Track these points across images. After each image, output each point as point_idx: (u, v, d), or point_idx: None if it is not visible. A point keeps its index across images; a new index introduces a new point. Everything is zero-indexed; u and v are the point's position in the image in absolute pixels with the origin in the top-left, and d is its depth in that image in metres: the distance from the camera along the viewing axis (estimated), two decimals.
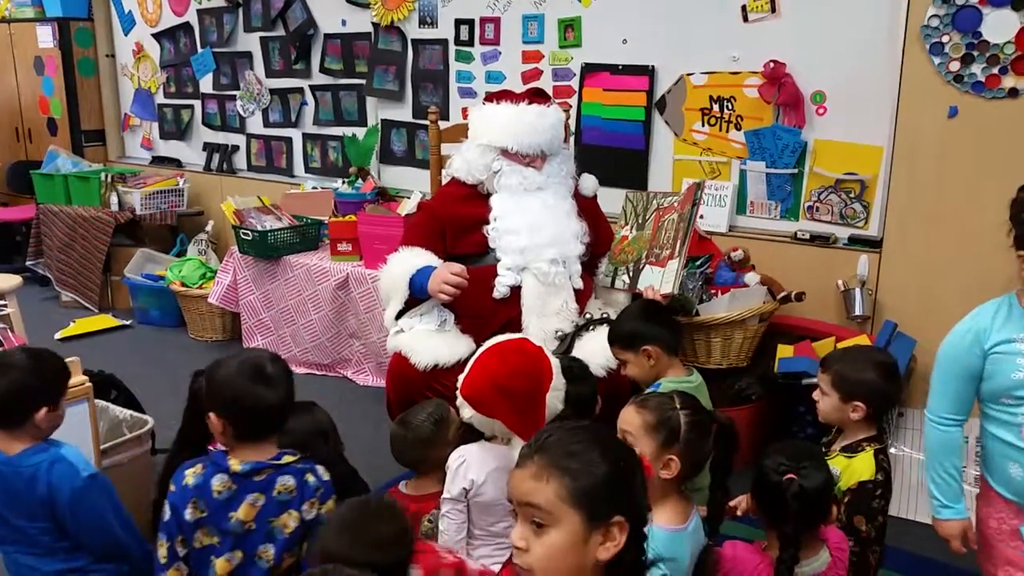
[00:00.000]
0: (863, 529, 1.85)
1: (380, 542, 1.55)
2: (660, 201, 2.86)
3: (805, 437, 2.84)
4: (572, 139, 3.63)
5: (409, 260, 2.70)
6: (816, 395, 2.04)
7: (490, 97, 2.83)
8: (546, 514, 1.20)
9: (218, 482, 1.75)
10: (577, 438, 1.26)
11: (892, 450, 2.95)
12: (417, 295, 2.68)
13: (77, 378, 2.27)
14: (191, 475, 1.76)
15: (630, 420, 1.71)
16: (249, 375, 1.75)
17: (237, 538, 1.75)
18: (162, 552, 1.76)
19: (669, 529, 1.62)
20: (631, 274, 2.79)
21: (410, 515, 2.13)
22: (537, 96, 2.82)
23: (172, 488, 1.76)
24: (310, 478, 1.81)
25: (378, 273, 2.91)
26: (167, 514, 1.75)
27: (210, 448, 1.92)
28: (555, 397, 1.80)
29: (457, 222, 2.73)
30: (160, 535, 1.77)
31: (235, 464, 1.75)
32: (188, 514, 1.73)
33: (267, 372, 1.77)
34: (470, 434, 1.90)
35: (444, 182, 2.99)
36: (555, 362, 1.85)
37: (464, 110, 3.87)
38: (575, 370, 2.17)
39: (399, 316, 2.73)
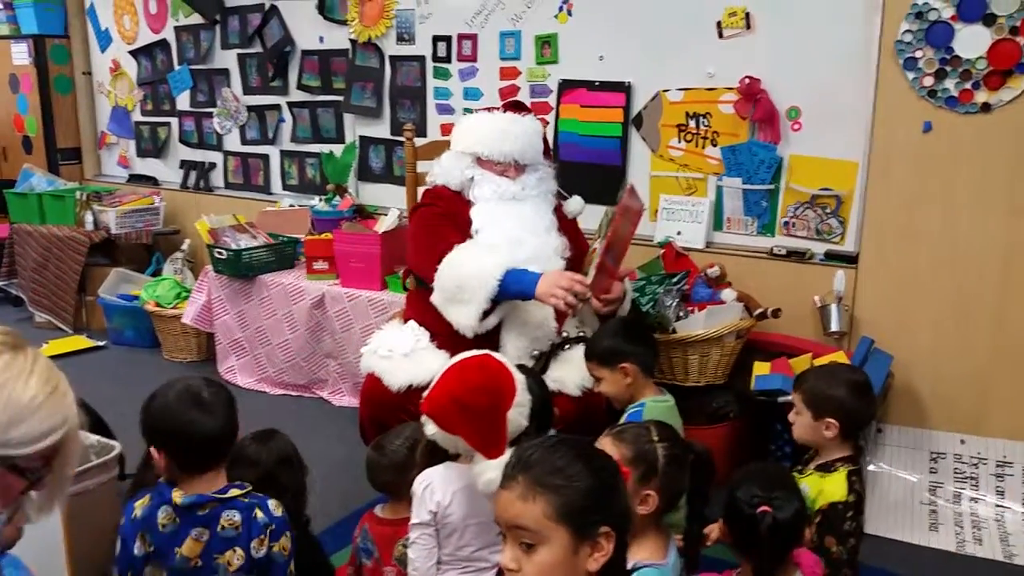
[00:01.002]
0: (834, 551, 1.84)
1: None
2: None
3: (782, 456, 2.82)
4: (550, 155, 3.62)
5: (488, 252, 2.50)
6: (791, 416, 2.02)
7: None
8: (535, 534, 1.20)
9: (163, 515, 1.70)
10: (559, 453, 1.25)
11: (871, 467, 2.94)
12: (504, 297, 2.46)
13: None
14: (139, 507, 1.71)
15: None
16: (184, 403, 1.71)
17: (184, 574, 1.69)
18: None
19: (650, 565, 1.59)
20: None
21: (384, 539, 2.10)
22: (514, 107, 2.81)
23: (122, 520, 1.71)
24: (259, 514, 1.74)
25: (443, 269, 2.52)
26: (119, 547, 1.71)
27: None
28: (519, 413, 1.77)
29: (453, 217, 2.67)
30: (114, 569, 1.72)
31: (177, 496, 1.69)
32: (137, 548, 1.69)
33: (203, 398, 1.72)
34: (435, 454, 1.86)
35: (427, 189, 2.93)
36: (519, 378, 1.82)
37: (443, 127, 3.85)
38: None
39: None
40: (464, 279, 2.47)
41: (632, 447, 1.67)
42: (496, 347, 2.53)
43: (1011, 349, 2.81)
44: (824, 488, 1.91)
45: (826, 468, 1.95)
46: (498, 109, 2.78)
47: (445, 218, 2.65)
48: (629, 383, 2.32)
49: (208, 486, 1.73)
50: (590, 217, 3.15)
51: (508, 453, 1.71)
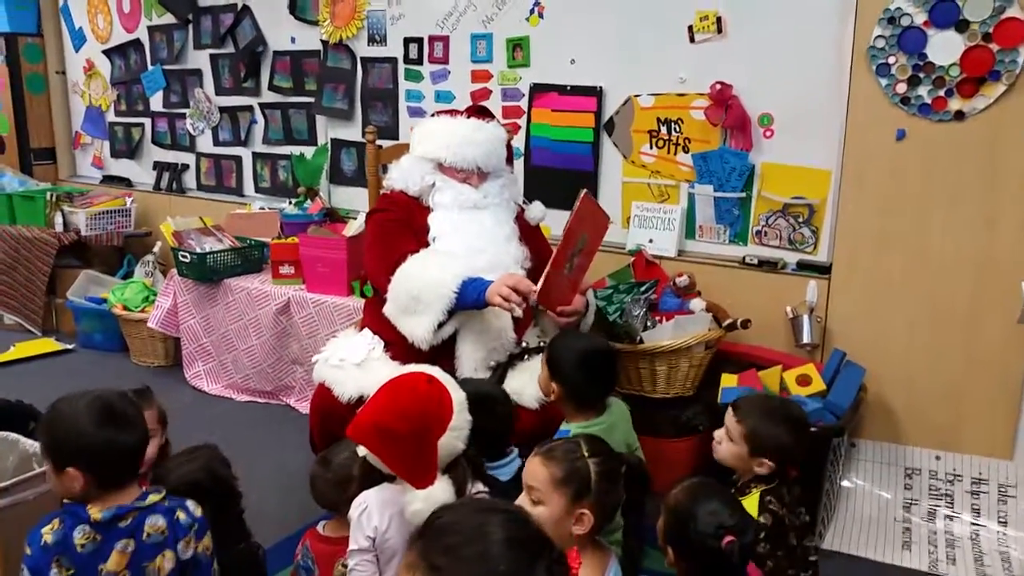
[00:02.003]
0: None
1: None
2: None
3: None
4: (522, 160, 3.56)
5: (442, 264, 2.43)
6: (718, 436, 1.98)
7: (437, 115, 2.75)
8: None
9: (80, 535, 1.62)
10: (460, 530, 1.08)
11: (845, 483, 2.87)
12: (459, 308, 2.40)
13: None
14: (48, 532, 1.62)
15: (536, 474, 1.61)
16: (100, 418, 1.65)
17: None
18: None
19: None
20: None
21: (324, 557, 2.02)
22: (478, 113, 2.74)
23: (28, 551, 1.61)
24: (181, 515, 1.71)
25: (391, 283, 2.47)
26: None
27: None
28: (454, 437, 1.69)
29: (410, 224, 2.59)
30: None
31: (95, 513, 1.63)
32: (54, 575, 1.60)
33: (117, 412, 1.67)
34: (372, 473, 1.78)
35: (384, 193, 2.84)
36: (458, 399, 1.73)
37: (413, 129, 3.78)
38: (487, 402, 2.07)
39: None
40: (419, 291, 2.40)
41: (562, 465, 1.60)
42: (452, 358, 2.47)
43: (985, 362, 2.74)
44: None
45: (742, 491, 1.92)
46: (461, 114, 2.69)
47: (400, 225, 2.57)
48: (556, 401, 2.24)
49: (125, 498, 1.67)
50: (557, 224, 3.08)
51: (440, 481, 1.65)
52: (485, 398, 2.11)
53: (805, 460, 2.02)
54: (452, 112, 2.75)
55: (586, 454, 1.62)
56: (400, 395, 1.69)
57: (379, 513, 1.71)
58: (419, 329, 2.41)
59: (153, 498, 1.70)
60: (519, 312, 2.35)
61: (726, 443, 1.96)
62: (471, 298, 2.38)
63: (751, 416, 1.94)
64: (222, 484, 2.01)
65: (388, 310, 2.47)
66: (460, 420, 1.69)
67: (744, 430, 1.92)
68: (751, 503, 1.86)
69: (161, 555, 1.67)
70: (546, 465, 1.61)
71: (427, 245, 2.54)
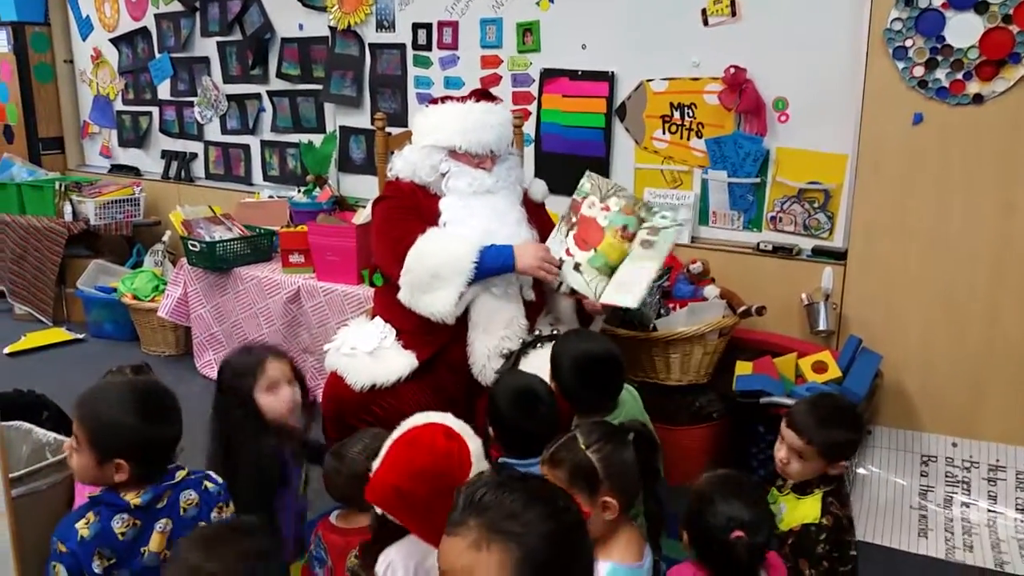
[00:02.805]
0: (807, 573, 1.75)
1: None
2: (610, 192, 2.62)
3: (765, 459, 2.72)
4: (533, 146, 3.53)
5: (456, 237, 2.43)
6: (782, 455, 1.90)
7: (433, 102, 2.70)
8: None
9: (119, 524, 1.64)
10: (513, 495, 1.12)
11: (860, 470, 2.85)
12: (481, 277, 2.40)
13: None
14: (84, 527, 1.62)
15: (548, 477, 1.62)
16: (146, 413, 1.66)
17: (155, 571, 1.65)
18: None
19: (625, 566, 1.55)
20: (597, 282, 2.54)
21: (337, 549, 2.01)
22: (483, 96, 2.70)
23: (63, 548, 1.61)
24: (209, 485, 1.75)
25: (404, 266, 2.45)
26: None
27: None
28: None
29: (418, 209, 2.55)
30: None
31: (134, 499, 1.65)
32: (96, 566, 1.60)
33: (163, 404, 1.71)
34: (388, 526, 1.72)
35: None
36: (476, 449, 1.67)
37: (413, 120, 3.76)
38: (532, 402, 2.05)
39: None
40: (437, 267, 2.39)
41: (566, 467, 1.60)
42: (464, 344, 2.45)
43: (1004, 348, 2.71)
44: (799, 508, 1.84)
45: (802, 490, 1.87)
46: (470, 99, 2.65)
47: (407, 211, 2.54)
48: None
49: (154, 479, 1.70)
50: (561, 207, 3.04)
51: None
52: (531, 397, 2.08)
53: None
54: (448, 99, 2.68)
55: (583, 447, 1.61)
56: (417, 454, 1.62)
57: (404, 568, 1.66)
58: (440, 304, 2.39)
59: (181, 474, 1.73)
60: (546, 276, 2.42)
61: (795, 462, 1.88)
62: (495, 264, 2.40)
63: (817, 430, 1.86)
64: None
65: (403, 295, 2.44)
66: (477, 470, 1.65)
67: (818, 449, 1.84)
68: (813, 504, 1.83)
69: (196, 526, 1.70)
70: (553, 471, 1.62)
71: (422, 232, 2.48)
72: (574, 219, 2.56)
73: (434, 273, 2.39)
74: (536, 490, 1.17)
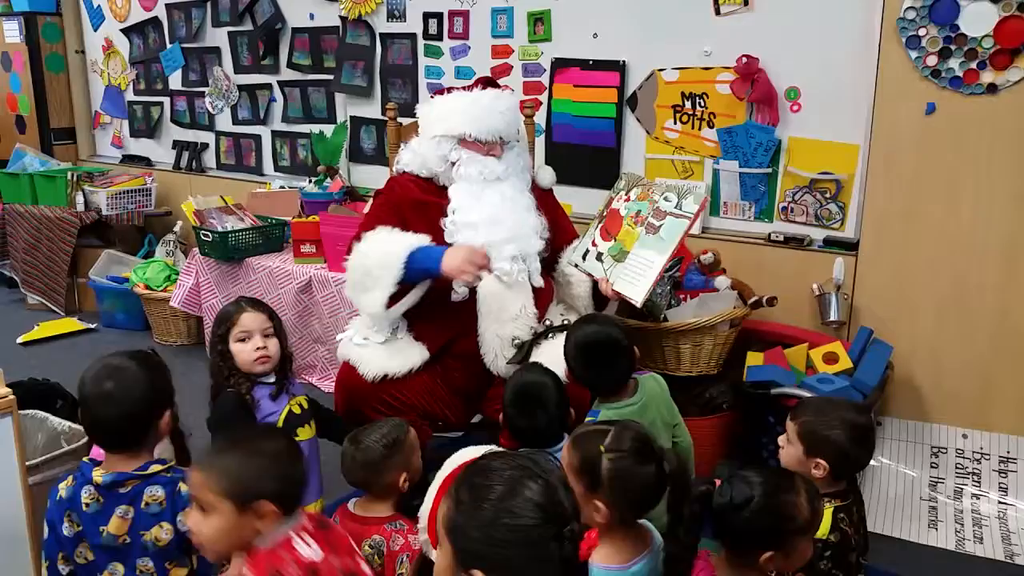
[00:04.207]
0: None
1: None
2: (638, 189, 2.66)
3: (776, 449, 2.72)
4: (543, 136, 3.53)
5: (395, 238, 2.43)
6: (781, 440, 1.91)
7: (438, 92, 2.70)
8: None
9: (86, 494, 1.70)
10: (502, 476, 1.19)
11: (871, 461, 2.84)
12: (411, 279, 2.41)
13: (0, 390, 2.15)
14: (64, 488, 1.71)
15: (564, 455, 1.61)
16: (96, 382, 1.72)
17: (115, 552, 1.69)
18: (44, 574, 1.73)
19: (604, 567, 1.52)
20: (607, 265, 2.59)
21: (354, 536, 2.01)
22: (489, 84, 2.69)
23: (48, 504, 1.70)
24: (183, 488, 1.72)
25: (347, 262, 2.54)
26: (45, 533, 1.71)
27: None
28: None
29: (417, 209, 2.55)
30: (42, 556, 1.73)
31: (97, 476, 1.69)
32: (66, 528, 1.69)
33: (110, 377, 1.72)
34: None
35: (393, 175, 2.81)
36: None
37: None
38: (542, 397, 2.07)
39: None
40: (370, 265, 2.42)
41: (579, 454, 1.58)
42: (475, 335, 2.46)
43: (1015, 340, 2.70)
44: None
45: None
46: (476, 87, 2.65)
47: (392, 209, 2.55)
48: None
49: (131, 464, 1.71)
50: (580, 200, 3.06)
51: None
52: (539, 390, 2.12)
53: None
54: (453, 89, 2.67)
55: (603, 448, 1.56)
56: None
57: None
58: (371, 304, 2.42)
59: (154, 468, 1.73)
60: (464, 292, 2.41)
61: (786, 446, 1.89)
62: (423, 266, 2.38)
63: (805, 414, 1.87)
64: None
65: (347, 292, 2.52)
66: None
67: (798, 427, 1.85)
68: (824, 519, 1.77)
69: (158, 526, 1.70)
70: (570, 450, 1.60)
71: (425, 226, 2.50)
72: (604, 213, 2.63)
73: (367, 271, 2.43)
74: (520, 490, 1.20)
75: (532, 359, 2.44)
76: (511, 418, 2.12)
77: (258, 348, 2.17)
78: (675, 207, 2.46)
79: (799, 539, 1.51)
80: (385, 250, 2.41)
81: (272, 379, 2.24)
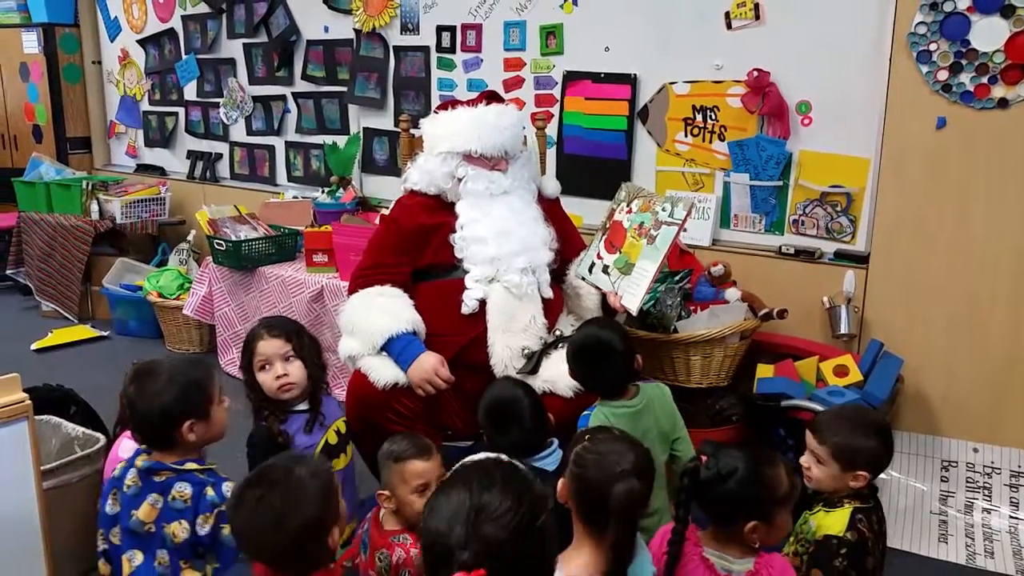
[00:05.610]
0: None
1: None
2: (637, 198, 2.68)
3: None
4: (555, 148, 3.55)
5: (384, 309, 2.50)
6: (805, 461, 1.91)
7: (441, 107, 2.72)
8: None
9: (130, 476, 1.77)
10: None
11: (881, 475, 2.83)
12: (390, 355, 2.47)
13: (16, 395, 2.17)
14: (119, 468, 1.80)
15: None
16: (134, 386, 1.82)
17: (138, 539, 1.74)
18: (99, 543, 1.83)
19: None
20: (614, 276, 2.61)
21: (372, 543, 2.01)
22: (492, 98, 2.72)
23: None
24: (210, 492, 1.77)
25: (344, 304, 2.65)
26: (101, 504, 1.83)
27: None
28: None
29: (422, 233, 2.59)
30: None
31: (139, 460, 1.76)
32: (109, 506, 1.77)
33: (147, 378, 1.82)
34: None
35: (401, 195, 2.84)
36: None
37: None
38: (515, 409, 2.11)
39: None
40: (355, 327, 2.52)
41: (569, 454, 1.63)
42: (484, 346, 2.47)
43: None
44: (825, 521, 1.82)
45: (831, 503, 1.86)
46: (479, 102, 2.67)
47: (398, 238, 2.61)
48: None
49: (168, 457, 1.78)
50: (590, 212, 3.05)
51: None
52: (510, 405, 2.15)
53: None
54: (455, 103, 2.68)
55: (581, 450, 1.60)
56: None
57: None
58: (347, 349, 2.53)
59: (190, 466, 1.78)
60: (474, 305, 2.47)
61: (815, 467, 1.89)
62: (395, 358, 2.44)
63: (834, 432, 1.87)
64: None
65: (341, 321, 2.61)
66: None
67: (831, 449, 1.85)
68: (841, 517, 1.81)
69: (178, 522, 1.74)
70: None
71: (434, 246, 2.56)
72: (608, 226, 2.63)
73: (351, 329, 2.52)
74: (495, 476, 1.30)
75: (542, 369, 2.45)
76: (490, 437, 2.16)
77: (279, 376, 2.17)
78: (669, 215, 2.49)
79: (780, 509, 1.62)
80: (369, 322, 2.48)
81: (305, 405, 2.23)
